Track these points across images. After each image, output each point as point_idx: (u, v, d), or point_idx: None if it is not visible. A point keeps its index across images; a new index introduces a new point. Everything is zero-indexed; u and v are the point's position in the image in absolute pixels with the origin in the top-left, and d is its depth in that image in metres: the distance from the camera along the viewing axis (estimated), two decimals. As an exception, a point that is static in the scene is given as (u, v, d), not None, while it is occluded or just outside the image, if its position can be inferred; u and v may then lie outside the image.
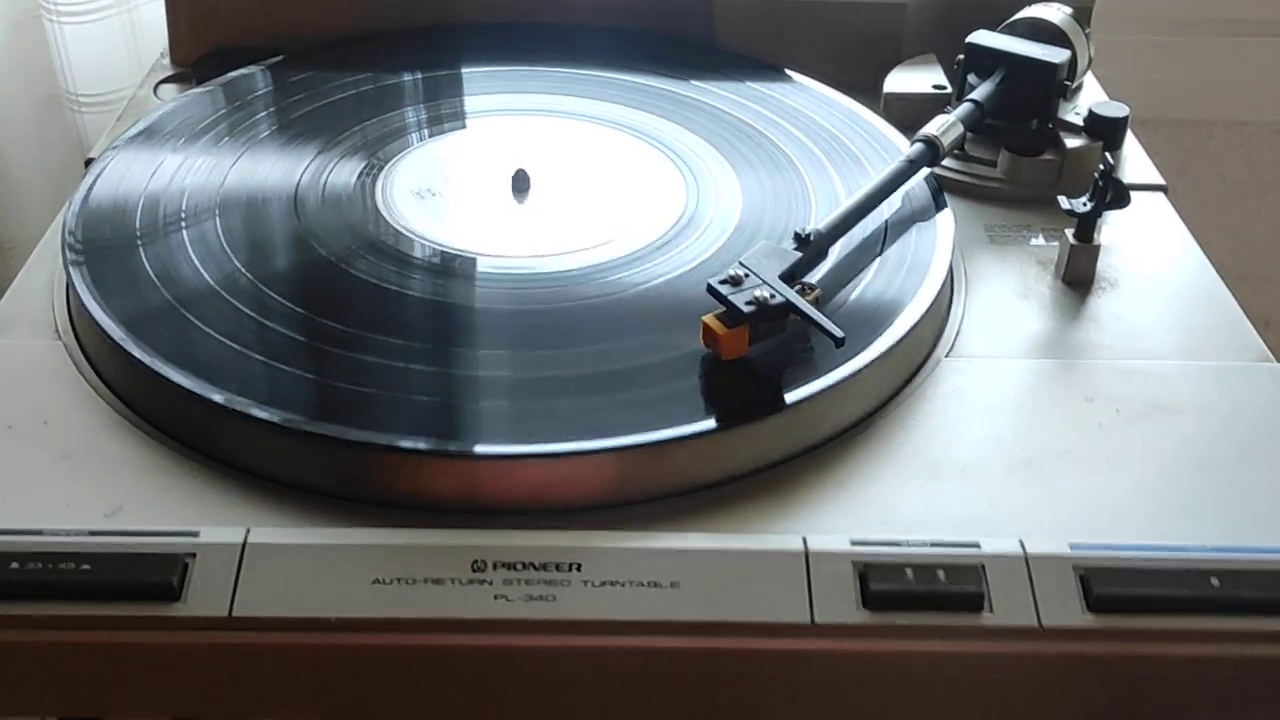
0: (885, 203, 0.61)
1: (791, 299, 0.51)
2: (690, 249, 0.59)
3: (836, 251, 0.58)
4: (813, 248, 0.55)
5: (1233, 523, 0.48)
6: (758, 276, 0.52)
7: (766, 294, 0.51)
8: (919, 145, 0.63)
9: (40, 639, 0.43)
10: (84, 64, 0.88)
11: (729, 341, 0.51)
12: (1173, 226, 0.65)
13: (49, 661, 0.44)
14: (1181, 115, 1.14)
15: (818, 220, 0.58)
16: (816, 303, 0.53)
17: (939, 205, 0.62)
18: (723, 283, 0.52)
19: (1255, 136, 1.16)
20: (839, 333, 0.50)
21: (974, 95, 0.66)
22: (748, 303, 0.51)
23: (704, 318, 0.51)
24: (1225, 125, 1.15)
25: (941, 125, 0.64)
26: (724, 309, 0.51)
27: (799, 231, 0.55)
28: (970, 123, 0.65)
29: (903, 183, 0.61)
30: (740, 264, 0.53)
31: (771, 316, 0.51)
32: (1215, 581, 0.45)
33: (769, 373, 0.52)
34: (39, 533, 0.45)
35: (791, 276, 0.53)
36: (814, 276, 0.56)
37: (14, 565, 0.44)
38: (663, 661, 0.44)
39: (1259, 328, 0.59)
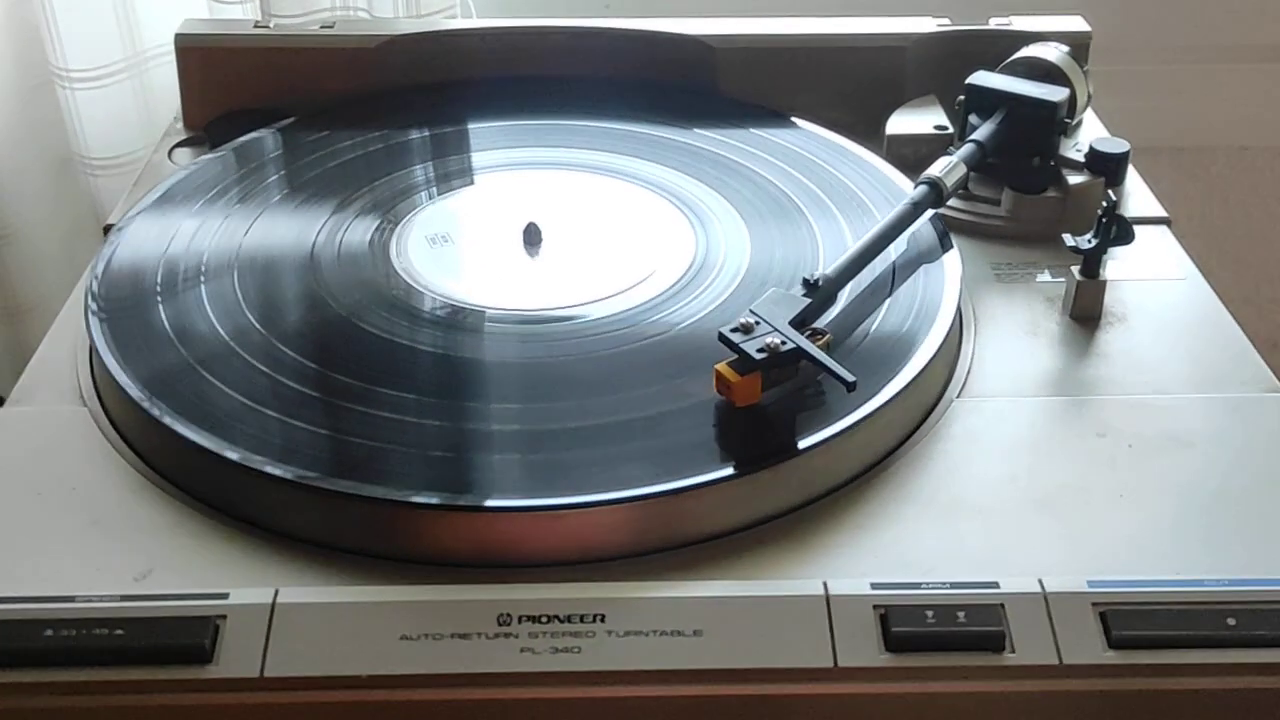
0: (893, 246, 0.61)
1: (802, 345, 0.52)
2: (701, 298, 0.60)
3: (846, 295, 0.59)
4: (821, 293, 0.56)
5: (1249, 554, 0.48)
6: (768, 324, 0.53)
7: (777, 340, 0.52)
8: (923, 188, 0.63)
9: (74, 704, 0.44)
10: (96, 128, 0.90)
11: (742, 388, 0.51)
12: (1178, 259, 0.66)
13: (84, 727, 0.44)
14: (1183, 142, 1.14)
15: (825, 265, 0.59)
16: (827, 347, 0.54)
17: (945, 247, 0.63)
18: (734, 331, 0.52)
19: (1257, 161, 1.17)
20: (850, 377, 0.51)
21: (976, 135, 0.67)
22: (759, 350, 0.51)
23: (717, 366, 0.52)
24: (1227, 151, 1.16)
25: (944, 167, 0.64)
26: (736, 357, 0.52)
27: (807, 277, 0.56)
28: (973, 163, 0.66)
29: (908, 225, 0.62)
30: (751, 311, 0.53)
31: (783, 363, 0.52)
32: (1232, 620, 0.45)
33: (784, 419, 0.53)
34: (71, 599, 0.46)
35: (802, 322, 0.54)
36: (823, 321, 0.57)
37: (48, 632, 0.44)
38: (688, 710, 0.45)
39: (1265, 350, 0.59)
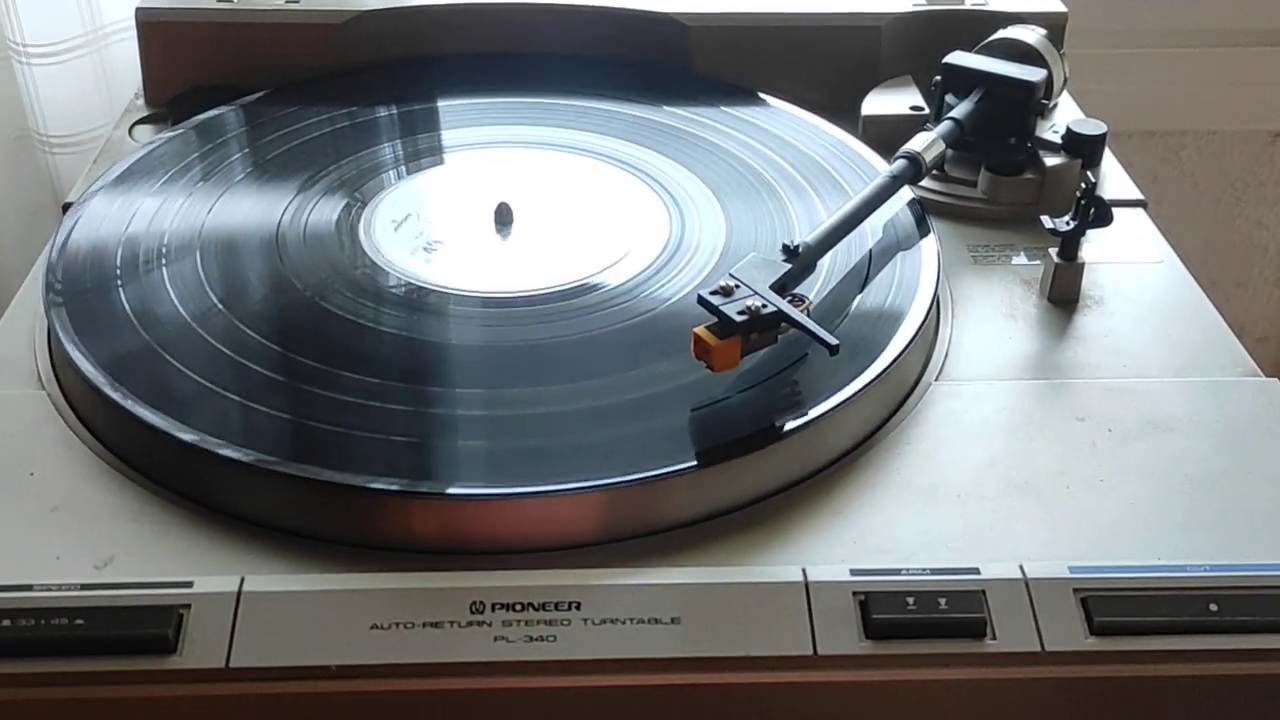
0: (870, 232, 0.61)
1: (783, 308, 0.51)
2: (676, 280, 0.59)
3: (823, 279, 0.58)
4: (802, 260, 0.55)
5: (1230, 539, 0.48)
6: (749, 287, 0.52)
7: (758, 303, 0.51)
8: (902, 161, 0.63)
9: (35, 697, 0.43)
10: (55, 105, 0.88)
11: (721, 352, 0.50)
12: (1154, 242, 0.66)
13: (44, 720, 0.43)
14: (1153, 126, 1.14)
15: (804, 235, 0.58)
16: (808, 313, 0.53)
17: (923, 231, 0.62)
18: (714, 294, 0.51)
19: (1226, 145, 1.17)
20: (833, 340, 0.50)
21: (953, 113, 0.67)
22: (739, 312, 0.50)
23: (695, 329, 0.50)
24: (1196, 135, 1.16)
25: (923, 142, 0.64)
26: (715, 320, 0.51)
27: (787, 244, 0.55)
28: (951, 140, 0.65)
29: (887, 197, 0.61)
30: (731, 275, 0.52)
31: (764, 326, 0.51)
32: (1214, 606, 0.45)
33: (760, 404, 0.52)
34: (29, 588, 0.44)
35: (782, 288, 0.53)
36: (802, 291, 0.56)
37: (5, 622, 0.43)
38: (666, 698, 0.44)
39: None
